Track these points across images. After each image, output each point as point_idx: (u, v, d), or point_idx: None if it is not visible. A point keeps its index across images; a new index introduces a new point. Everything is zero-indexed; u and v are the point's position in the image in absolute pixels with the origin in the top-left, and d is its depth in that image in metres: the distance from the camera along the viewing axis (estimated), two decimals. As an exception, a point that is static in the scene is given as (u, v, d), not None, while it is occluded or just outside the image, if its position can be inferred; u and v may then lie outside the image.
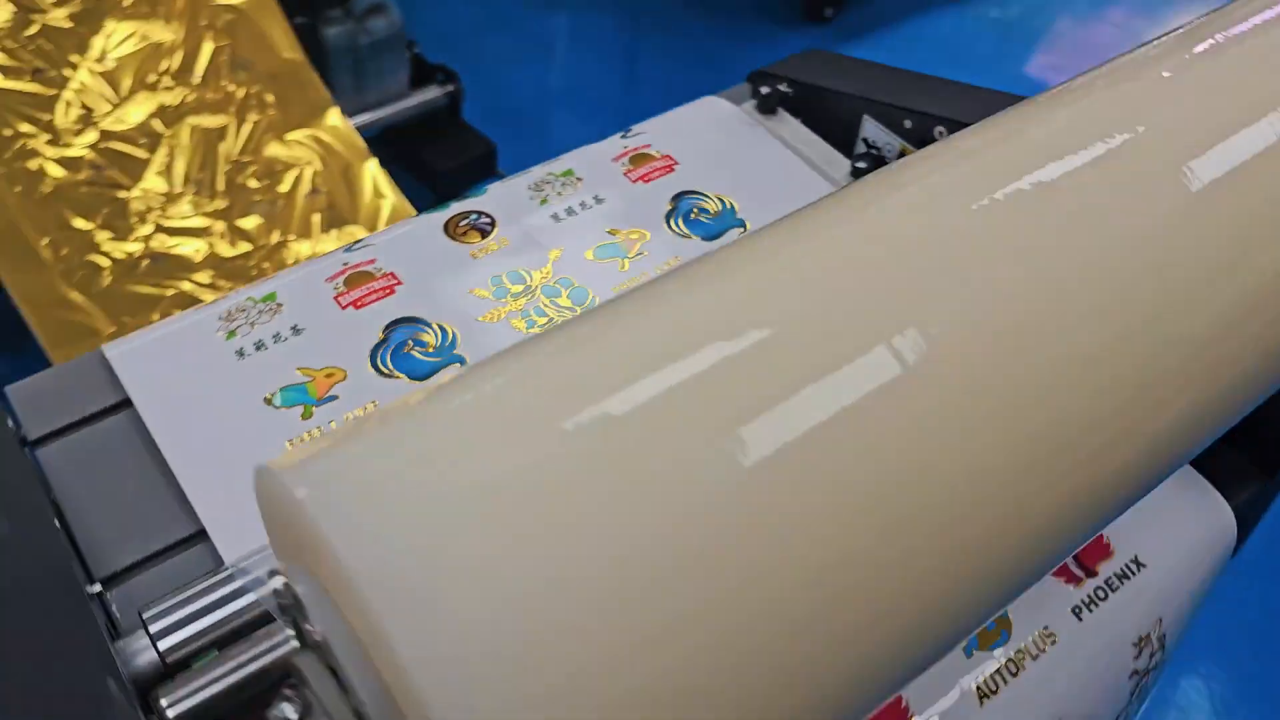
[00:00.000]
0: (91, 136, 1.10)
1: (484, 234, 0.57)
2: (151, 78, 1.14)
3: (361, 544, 0.19)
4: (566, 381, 0.24)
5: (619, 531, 0.21)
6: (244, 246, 1.15)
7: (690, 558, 0.21)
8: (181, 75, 1.16)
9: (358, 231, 1.21)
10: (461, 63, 1.62)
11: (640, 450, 0.22)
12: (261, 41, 1.22)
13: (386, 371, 0.49)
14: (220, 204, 1.16)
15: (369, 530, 0.19)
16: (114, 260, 1.08)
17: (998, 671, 0.43)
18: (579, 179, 0.61)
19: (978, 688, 0.43)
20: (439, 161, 1.55)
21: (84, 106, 1.10)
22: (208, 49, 1.18)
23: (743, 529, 0.21)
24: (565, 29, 2.32)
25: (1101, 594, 0.46)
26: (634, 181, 0.61)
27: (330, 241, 1.19)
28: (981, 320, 0.26)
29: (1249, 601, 1.18)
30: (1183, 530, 0.49)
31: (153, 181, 1.13)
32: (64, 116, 1.09)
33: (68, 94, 1.09)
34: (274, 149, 1.21)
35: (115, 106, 1.12)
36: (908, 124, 0.62)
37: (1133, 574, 0.47)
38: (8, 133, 1.06)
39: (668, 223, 0.59)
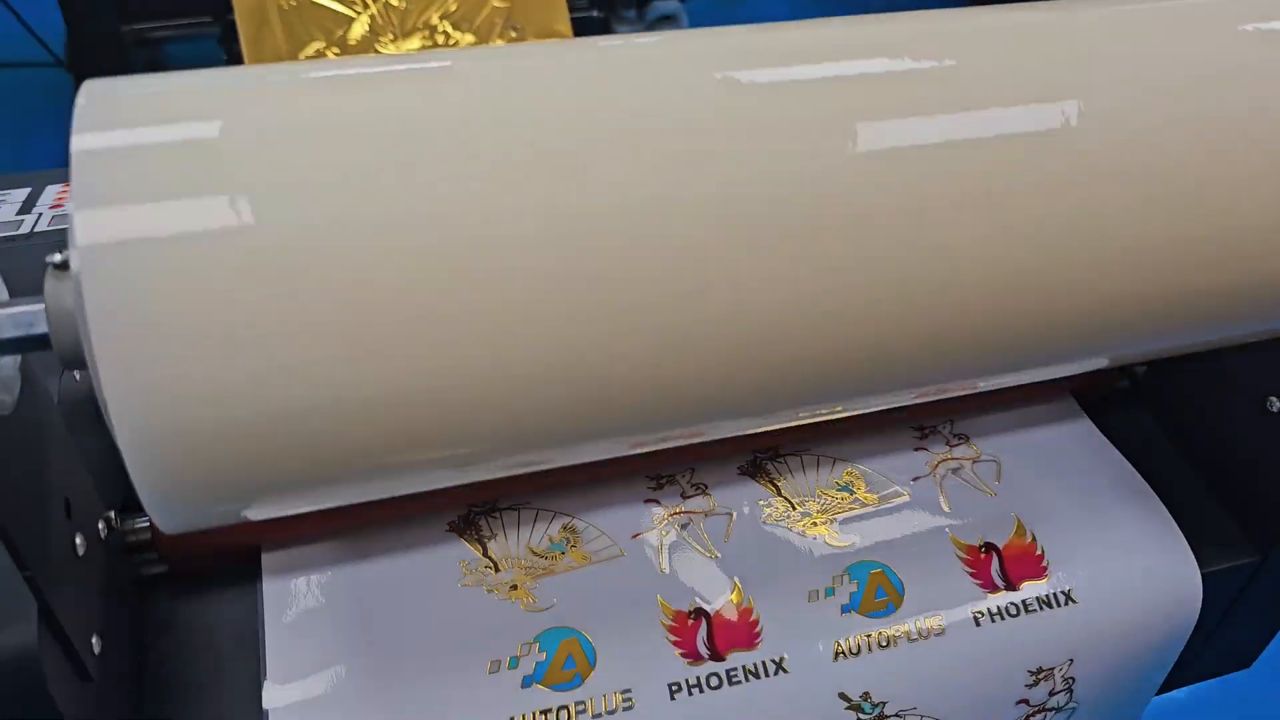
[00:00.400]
0: (369, 58, 1.27)
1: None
2: (433, 20, 1.30)
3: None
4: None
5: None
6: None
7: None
8: (459, 23, 1.31)
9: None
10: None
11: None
12: (538, 10, 1.35)
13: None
14: (459, 140, 1.29)
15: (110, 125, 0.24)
16: (355, 163, 1.23)
17: (868, 639, 0.42)
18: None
19: (839, 644, 0.42)
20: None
21: (371, 31, 1.27)
22: (489, 5, 1.32)
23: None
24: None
25: (1013, 611, 0.44)
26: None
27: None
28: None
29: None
30: (1135, 581, 0.45)
31: (408, 107, 1.28)
32: (353, 35, 1.26)
33: (362, 19, 1.27)
34: (519, 105, 1.33)
35: (395, 38, 1.28)
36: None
37: (1057, 605, 0.44)
38: (306, 38, 1.24)
39: None
